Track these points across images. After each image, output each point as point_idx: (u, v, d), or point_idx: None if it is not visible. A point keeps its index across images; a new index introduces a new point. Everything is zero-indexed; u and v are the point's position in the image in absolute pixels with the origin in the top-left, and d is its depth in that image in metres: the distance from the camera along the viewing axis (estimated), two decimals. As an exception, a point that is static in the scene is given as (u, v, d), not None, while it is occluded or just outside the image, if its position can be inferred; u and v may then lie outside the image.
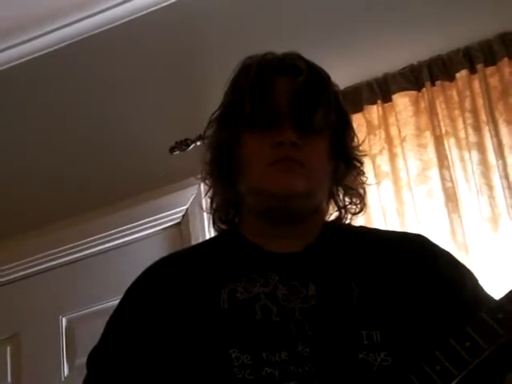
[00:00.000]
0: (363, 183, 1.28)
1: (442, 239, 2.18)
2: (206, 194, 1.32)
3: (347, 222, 1.29)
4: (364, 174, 1.29)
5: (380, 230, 1.41)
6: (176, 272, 1.22)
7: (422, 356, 1.03)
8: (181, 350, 1.12)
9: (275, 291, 1.14)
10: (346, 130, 1.27)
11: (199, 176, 1.33)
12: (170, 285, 1.19)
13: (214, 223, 1.31)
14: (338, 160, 1.25)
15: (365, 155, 1.31)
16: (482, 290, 1.20)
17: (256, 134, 1.20)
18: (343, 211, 1.28)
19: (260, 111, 1.19)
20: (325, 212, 1.27)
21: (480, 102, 2.34)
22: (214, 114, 1.28)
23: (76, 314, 2.71)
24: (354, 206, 1.28)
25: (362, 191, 1.28)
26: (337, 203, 1.28)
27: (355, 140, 1.29)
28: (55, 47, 2.94)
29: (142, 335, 1.17)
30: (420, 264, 1.19)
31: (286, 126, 1.19)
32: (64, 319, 2.73)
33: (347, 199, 1.28)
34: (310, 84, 1.20)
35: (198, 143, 2.54)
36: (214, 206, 1.30)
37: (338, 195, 1.28)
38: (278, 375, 1.06)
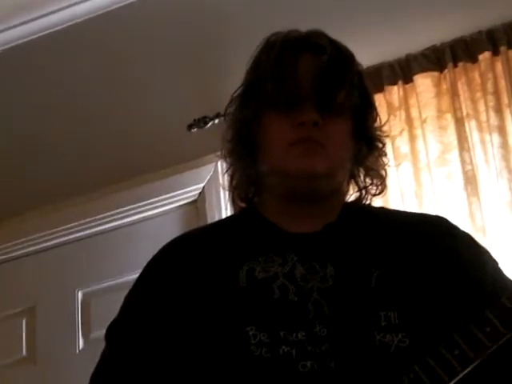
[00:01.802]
0: (385, 164, 1.27)
1: (460, 222, 2.16)
2: (226, 171, 1.32)
3: (367, 202, 1.28)
4: (386, 154, 1.28)
5: (400, 211, 1.40)
6: (195, 249, 1.22)
7: (439, 339, 1.03)
8: (198, 327, 1.12)
9: (293, 271, 1.13)
10: (369, 111, 1.26)
11: (218, 153, 1.32)
12: (189, 262, 1.19)
13: (233, 201, 1.31)
14: (359, 141, 1.24)
15: (387, 136, 1.30)
16: (501, 273, 1.19)
17: (278, 113, 1.19)
18: (364, 192, 1.27)
19: (282, 91, 1.18)
20: (345, 192, 1.27)
21: (502, 84, 2.32)
22: (236, 91, 1.27)
23: (92, 288, 2.73)
24: (374, 187, 1.27)
25: (383, 172, 1.27)
26: (357, 184, 1.27)
27: (378, 121, 1.28)
28: (70, 23, 2.93)
29: (160, 311, 1.17)
30: (439, 246, 1.18)
31: (307, 106, 1.17)
32: (80, 293, 2.75)
33: (368, 180, 1.27)
34: (333, 63, 1.19)
35: (217, 121, 2.54)
36: (234, 184, 1.29)
37: (359, 176, 1.27)
38: (295, 354, 1.06)
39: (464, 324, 1.02)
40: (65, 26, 2.94)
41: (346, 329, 1.08)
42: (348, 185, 1.27)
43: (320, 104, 1.18)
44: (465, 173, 2.28)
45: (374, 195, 1.28)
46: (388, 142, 2.26)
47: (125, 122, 2.80)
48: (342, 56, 1.21)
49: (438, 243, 1.19)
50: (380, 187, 1.27)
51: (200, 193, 2.70)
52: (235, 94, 1.27)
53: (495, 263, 1.20)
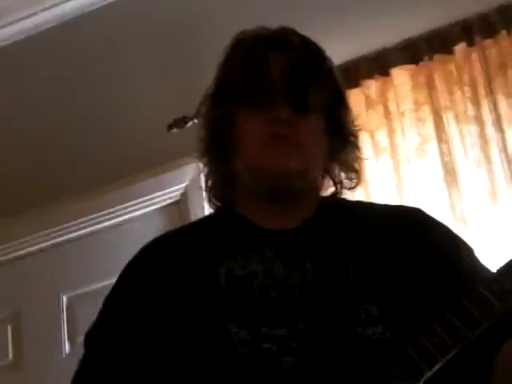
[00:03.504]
0: (359, 158, 1.28)
1: (440, 213, 2.18)
2: (202, 171, 1.32)
3: (343, 197, 1.29)
4: (359, 148, 1.28)
5: (376, 203, 1.40)
6: (173, 250, 1.22)
7: (419, 329, 1.03)
8: (179, 328, 1.12)
9: (272, 268, 1.14)
10: (341, 106, 1.26)
11: (196, 154, 1.32)
12: (167, 263, 1.19)
13: (209, 201, 1.31)
14: (333, 136, 1.24)
15: (360, 130, 1.30)
16: (477, 261, 1.20)
17: (250, 110, 1.19)
18: (339, 186, 1.27)
19: (253, 88, 1.18)
20: (320, 188, 1.27)
21: (478, 75, 2.33)
22: (207, 89, 1.27)
23: (76, 293, 2.73)
24: (349, 181, 1.27)
25: (357, 166, 1.28)
26: (333, 179, 1.27)
27: (350, 115, 1.28)
28: (53, 24, 2.92)
29: (139, 313, 1.17)
30: (416, 237, 1.19)
31: (279, 103, 1.17)
32: (65, 297, 2.75)
33: (343, 174, 1.27)
34: (304, 60, 1.19)
35: (197, 121, 2.53)
36: (210, 183, 1.29)
37: (334, 171, 1.27)
38: (276, 350, 1.06)
39: (442, 313, 1.03)
40: (46, 27, 2.93)
41: (327, 323, 1.08)
42: (323, 180, 1.27)
43: (292, 101, 1.18)
44: (444, 164, 2.30)
45: (350, 189, 1.28)
46: (367, 135, 2.32)
47: (104, 124, 2.80)
48: (312, 53, 1.21)
49: (415, 234, 1.19)
50: (355, 181, 1.28)
51: (182, 193, 2.70)
52: (207, 93, 1.27)
53: (471, 252, 1.21)
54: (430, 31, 2.42)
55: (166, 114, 2.63)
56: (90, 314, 1.28)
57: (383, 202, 2.17)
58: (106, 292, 1.26)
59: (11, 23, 2.92)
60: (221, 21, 2.66)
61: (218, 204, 1.29)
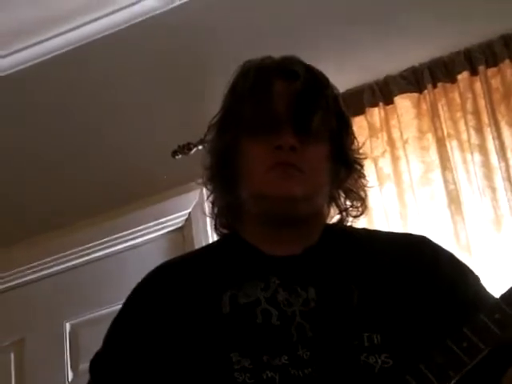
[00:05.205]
0: (364, 186, 1.28)
1: (445, 241, 2.18)
2: (207, 198, 1.33)
3: (348, 224, 1.29)
4: (365, 176, 1.29)
5: (382, 231, 1.40)
6: (177, 277, 1.22)
7: (422, 358, 1.03)
8: (182, 354, 1.12)
9: (276, 295, 1.14)
10: (346, 133, 1.27)
11: (200, 181, 1.33)
12: (171, 290, 1.19)
13: (215, 228, 1.31)
14: (338, 163, 1.25)
15: (365, 158, 1.30)
16: (484, 290, 1.20)
17: (255, 138, 1.20)
18: (344, 214, 1.28)
19: (259, 116, 1.19)
20: (325, 215, 1.27)
21: (482, 103, 2.35)
22: (213, 118, 1.28)
23: (80, 319, 2.72)
24: (355, 209, 1.28)
25: (362, 194, 1.28)
26: (338, 206, 1.28)
27: (355, 143, 1.29)
28: (57, 52, 2.94)
29: (143, 340, 1.17)
30: (422, 265, 1.19)
31: (284, 130, 1.19)
32: (68, 324, 2.74)
33: (348, 202, 1.27)
34: (308, 88, 1.20)
35: (201, 147, 2.55)
36: (215, 210, 1.30)
37: (339, 198, 1.27)
38: (278, 379, 1.06)
39: (442, 341, 1.02)
40: (47, 57, 2.94)
41: (329, 351, 1.08)
42: (328, 207, 1.27)
43: (297, 128, 1.19)
44: (448, 192, 2.30)
45: (355, 217, 1.28)
46: (371, 163, 2.33)
47: (108, 150, 2.81)
48: (316, 81, 1.23)
49: (420, 262, 1.19)
50: (360, 209, 1.28)
51: (186, 219, 2.70)
52: (213, 121, 1.28)
53: (477, 281, 1.21)
54: (433, 60, 2.43)
55: (170, 140, 2.64)
56: (93, 342, 1.27)
57: (389, 230, 2.18)
58: (110, 319, 1.26)
59: (21, 50, 2.94)
60: (224, 48, 2.69)
61: (224, 231, 1.30)
